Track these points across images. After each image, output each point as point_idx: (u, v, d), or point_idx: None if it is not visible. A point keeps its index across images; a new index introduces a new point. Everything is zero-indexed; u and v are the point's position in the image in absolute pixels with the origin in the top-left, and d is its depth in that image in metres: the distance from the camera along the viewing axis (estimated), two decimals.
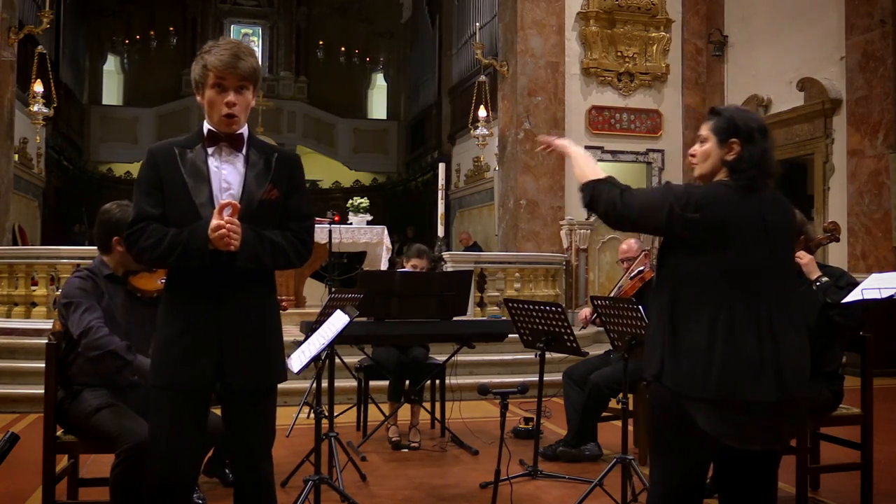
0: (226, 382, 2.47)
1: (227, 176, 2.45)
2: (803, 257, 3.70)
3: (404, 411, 5.18)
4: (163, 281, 3.36)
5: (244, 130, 2.50)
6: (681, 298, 2.31)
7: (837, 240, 3.98)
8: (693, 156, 2.46)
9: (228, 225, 2.31)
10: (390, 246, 9.61)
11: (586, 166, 2.50)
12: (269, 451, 2.58)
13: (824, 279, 3.64)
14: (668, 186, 2.38)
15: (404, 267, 5.38)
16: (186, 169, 2.42)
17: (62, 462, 3.46)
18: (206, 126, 2.48)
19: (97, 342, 3.10)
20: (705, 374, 2.22)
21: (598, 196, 2.40)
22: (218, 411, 2.67)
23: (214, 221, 2.31)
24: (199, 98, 2.48)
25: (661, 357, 2.31)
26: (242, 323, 2.44)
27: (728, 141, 2.36)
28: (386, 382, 5.16)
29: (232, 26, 21.75)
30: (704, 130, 2.43)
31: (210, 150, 2.46)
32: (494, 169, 13.14)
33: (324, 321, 3.70)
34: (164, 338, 2.48)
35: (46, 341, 3.24)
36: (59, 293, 7.41)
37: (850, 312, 3.57)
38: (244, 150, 2.48)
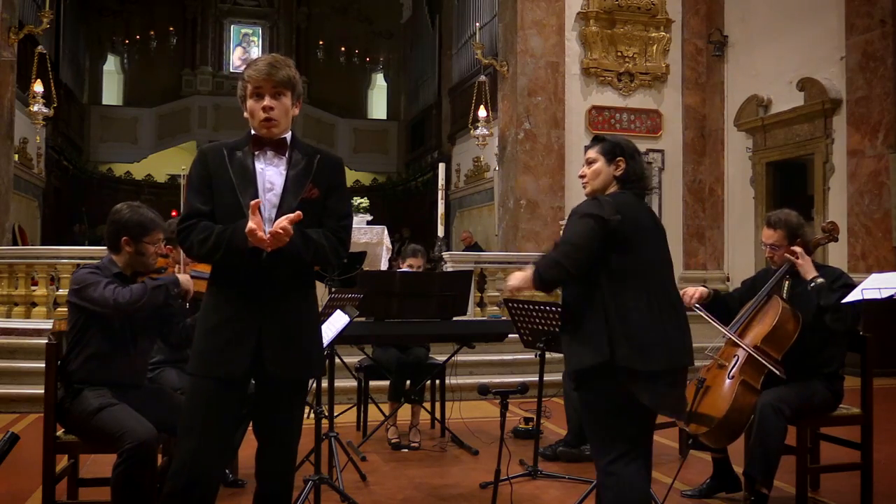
0: (264, 374, 2.52)
1: (270, 177, 2.55)
2: (800, 258, 3.69)
3: (404, 411, 5.18)
4: None
5: (287, 135, 2.59)
6: (617, 290, 2.64)
7: (836, 240, 3.96)
8: (583, 176, 2.87)
9: (275, 229, 2.39)
10: (390, 246, 9.61)
11: (524, 277, 2.76)
12: (296, 446, 2.65)
13: (819, 280, 3.62)
14: (577, 212, 2.71)
15: (401, 268, 5.38)
16: (234, 169, 2.52)
17: (62, 462, 3.46)
18: (253, 132, 2.58)
19: (135, 296, 3.12)
20: (652, 351, 2.60)
21: (544, 276, 2.70)
22: None
23: (250, 224, 2.39)
24: (245, 113, 2.59)
25: (611, 344, 2.60)
26: (283, 316, 2.52)
27: (615, 159, 2.81)
28: (386, 382, 5.15)
29: (232, 26, 21.77)
30: (592, 153, 2.86)
31: (256, 153, 2.56)
32: (494, 169, 13.15)
33: (324, 321, 3.70)
34: (206, 328, 2.55)
35: (46, 341, 3.24)
36: (59, 293, 7.44)
37: (842, 316, 3.56)
38: (287, 154, 2.58)
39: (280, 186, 2.54)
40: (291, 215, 2.40)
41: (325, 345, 3.42)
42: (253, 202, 2.41)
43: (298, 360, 2.56)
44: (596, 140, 2.91)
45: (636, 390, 2.60)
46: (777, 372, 3.51)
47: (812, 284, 3.61)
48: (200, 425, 2.49)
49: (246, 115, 2.58)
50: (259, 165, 2.55)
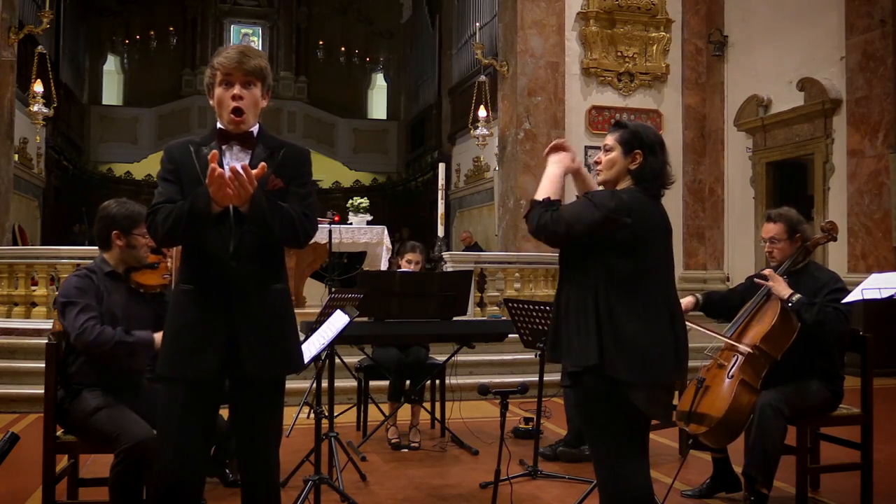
0: (240, 374, 2.47)
1: None
2: (771, 277, 3.65)
3: (404, 411, 5.18)
4: (165, 276, 3.38)
5: (254, 129, 2.53)
6: (614, 295, 2.52)
7: (835, 239, 3.94)
8: (598, 163, 2.68)
9: (234, 174, 2.27)
10: (390, 246, 9.61)
11: (543, 187, 2.63)
12: (277, 446, 2.61)
13: (795, 297, 3.56)
14: (594, 196, 2.58)
15: (400, 266, 5.38)
16: (201, 164, 2.46)
17: (62, 462, 3.46)
18: (219, 124, 2.53)
19: (97, 341, 3.10)
20: (645, 362, 2.50)
21: (531, 214, 2.56)
22: (223, 411, 2.67)
23: (210, 166, 2.28)
24: (211, 101, 2.53)
25: (600, 349, 2.50)
26: (257, 313, 2.47)
27: (632, 152, 2.61)
28: (386, 382, 5.15)
29: (232, 26, 21.78)
30: (610, 140, 2.65)
31: (223, 148, 2.51)
32: (494, 169, 13.15)
33: (324, 321, 3.70)
34: (173, 329, 2.51)
35: (46, 341, 3.24)
36: (58, 293, 7.44)
37: (826, 330, 3.55)
38: (252, 148, 2.53)
39: None
40: (256, 169, 2.31)
41: (325, 345, 3.43)
42: (211, 153, 2.31)
43: (277, 358, 2.51)
44: (617, 126, 2.69)
45: (629, 393, 2.52)
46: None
47: (790, 304, 3.57)
48: (176, 430, 2.45)
49: (212, 103, 2.51)
50: (225, 160, 2.48)
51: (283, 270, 2.58)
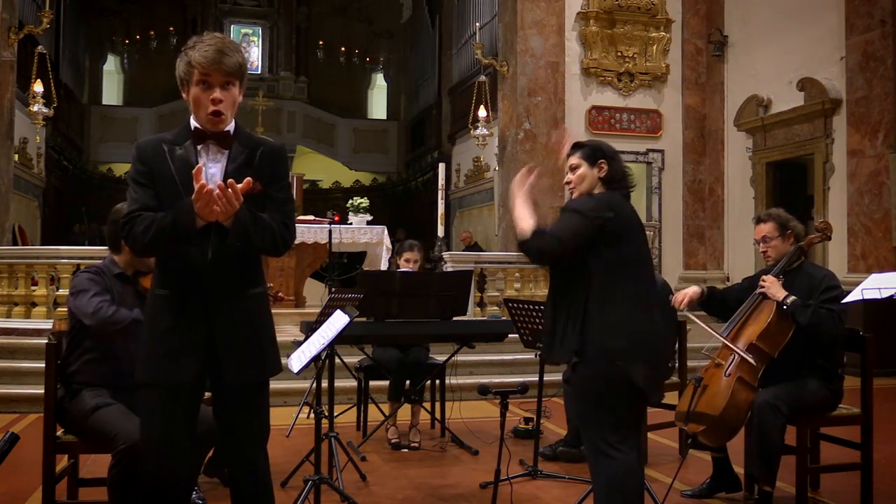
0: (219, 379, 2.46)
1: (213, 174, 2.42)
2: (766, 280, 3.69)
3: (404, 411, 5.18)
4: None
5: (231, 127, 2.46)
6: (603, 284, 2.76)
7: (829, 238, 3.96)
8: (569, 182, 3.00)
9: (222, 191, 2.24)
10: (390, 246, 9.62)
11: (523, 220, 2.89)
12: (264, 447, 2.58)
13: (790, 300, 3.58)
14: (573, 207, 2.85)
15: (399, 265, 5.38)
16: (176, 166, 2.40)
17: (62, 462, 3.46)
18: (193, 123, 2.44)
19: (113, 318, 3.11)
20: (640, 342, 2.74)
21: (531, 248, 2.83)
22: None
23: (200, 184, 2.24)
24: (184, 95, 2.44)
25: (591, 334, 2.73)
26: (234, 318, 2.43)
27: (597, 162, 2.94)
28: (386, 382, 5.15)
29: (232, 26, 21.77)
30: (575, 160, 2.98)
31: (199, 148, 2.44)
32: (494, 169, 13.15)
33: (324, 321, 3.70)
34: (151, 335, 2.48)
35: (46, 341, 3.24)
36: (59, 293, 7.44)
37: (822, 331, 3.56)
38: (229, 148, 2.46)
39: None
40: (241, 184, 2.27)
41: (325, 345, 3.42)
42: (196, 168, 2.27)
43: (254, 363, 2.47)
44: (576, 146, 3.01)
45: (630, 372, 2.71)
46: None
47: (784, 306, 3.59)
48: (158, 434, 2.44)
49: (185, 97, 2.43)
50: (201, 161, 2.41)
51: (260, 274, 2.55)
